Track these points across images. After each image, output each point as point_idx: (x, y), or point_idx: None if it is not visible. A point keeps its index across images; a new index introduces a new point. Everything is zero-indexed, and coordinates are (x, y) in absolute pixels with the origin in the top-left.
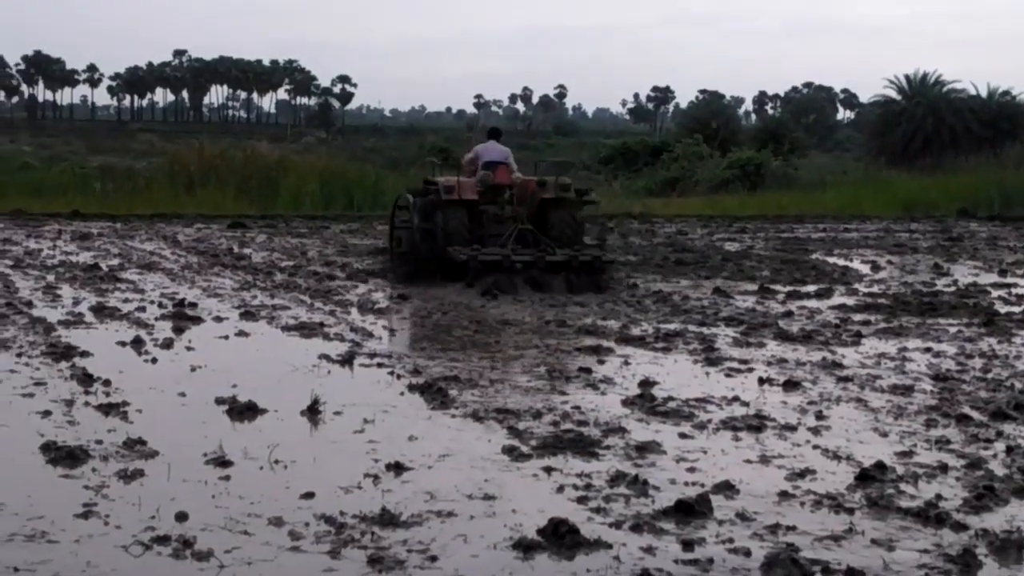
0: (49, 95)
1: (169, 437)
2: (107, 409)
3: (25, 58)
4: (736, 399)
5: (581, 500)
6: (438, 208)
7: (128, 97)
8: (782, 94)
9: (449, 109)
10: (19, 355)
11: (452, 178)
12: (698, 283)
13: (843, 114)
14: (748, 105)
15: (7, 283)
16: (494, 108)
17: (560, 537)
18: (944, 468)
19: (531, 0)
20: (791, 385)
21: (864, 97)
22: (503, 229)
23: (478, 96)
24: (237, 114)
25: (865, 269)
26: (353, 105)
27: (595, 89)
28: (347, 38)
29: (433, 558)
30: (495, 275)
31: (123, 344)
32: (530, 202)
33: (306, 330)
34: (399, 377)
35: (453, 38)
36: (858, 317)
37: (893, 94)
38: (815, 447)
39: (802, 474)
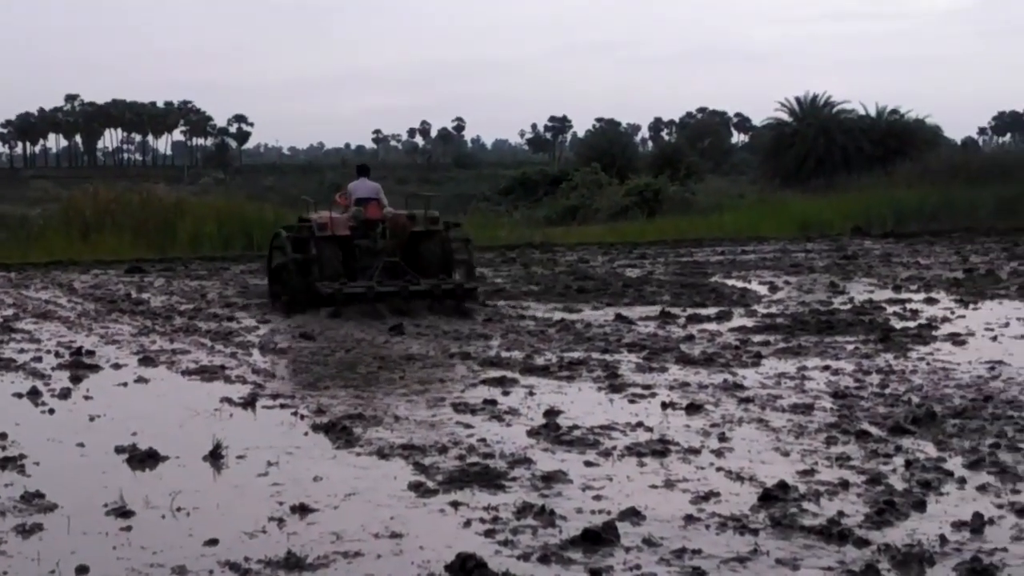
0: None
1: (68, 489)
2: (3, 463)
3: None
4: (640, 424)
5: (488, 533)
6: (313, 244)
7: (20, 144)
8: (677, 120)
9: (348, 145)
10: None
11: (325, 214)
12: (600, 310)
13: (737, 137)
14: (644, 132)
15: None
16: (393, 143)
17: (468, 572)
18: (845, 485)
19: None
20: (694, 408)
21: (757, 120)
22: (377, 261)
23: (376, 131)
24: (132, 157)
25: (763, 290)
26: (251, 144)
27: (493, 121)
28: (242, 78)
29: None
30: (362, 306)
31: (19, 396)
32: (401, 235)
33: (207, 373)
34: (303, 417)
35: (349, 74)
36: (757, 338)
37: (785, 116)
38: (719, 469)
39: (707, 497)
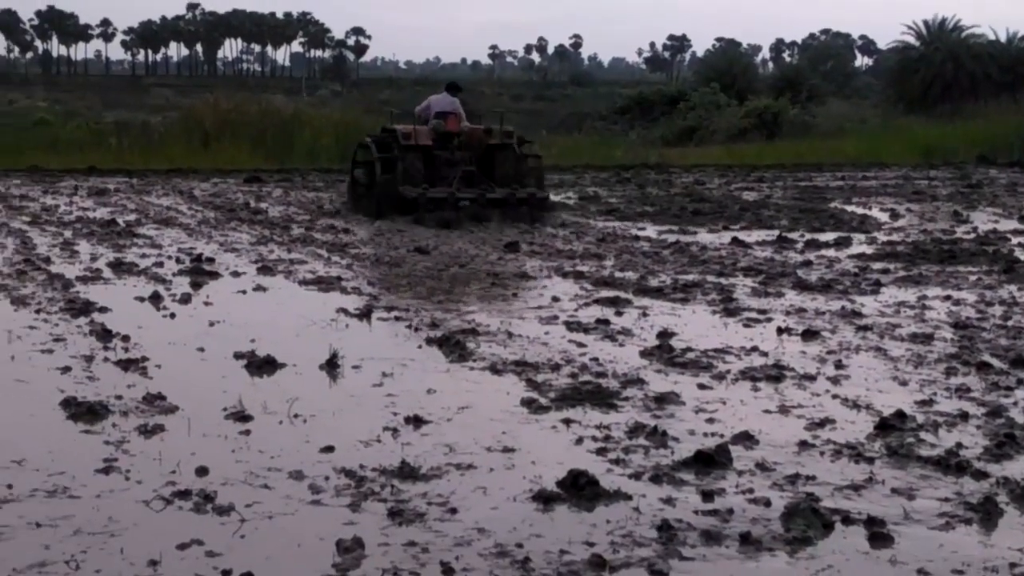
0: (63, 50)
1: (189, 392)
2: (126, 365)
3: (39, 13)
4: (755, 349)
5: (600, 452)
6: (396, 152)
7: (142, 52)
8: (799, 41)
9: (464, 60)
10: (38, 311)
11: (409, 126)
12: (716, 233)
13: (861, 61)
14: (765, 53)
15: (24, 239)
16: (509, 59)
17: (580, 489)
18: (964, 416)
19: None
20: (810, 335)
21: (882, 43)
22: (453, 172)
23: (493, 47)
24: (251, 68)
25: (884, 217)
26: (367, 57)
27: (611, 39)
28: None
29: (453, 511)
30: (442, 211)
31: (141, 300)
32: (477, 147)
33: (323, 284)
34: (417, 330)
35: None
36: (877, 266)
37: (911, 40)
38: (834, 396)
39: (822, 424)
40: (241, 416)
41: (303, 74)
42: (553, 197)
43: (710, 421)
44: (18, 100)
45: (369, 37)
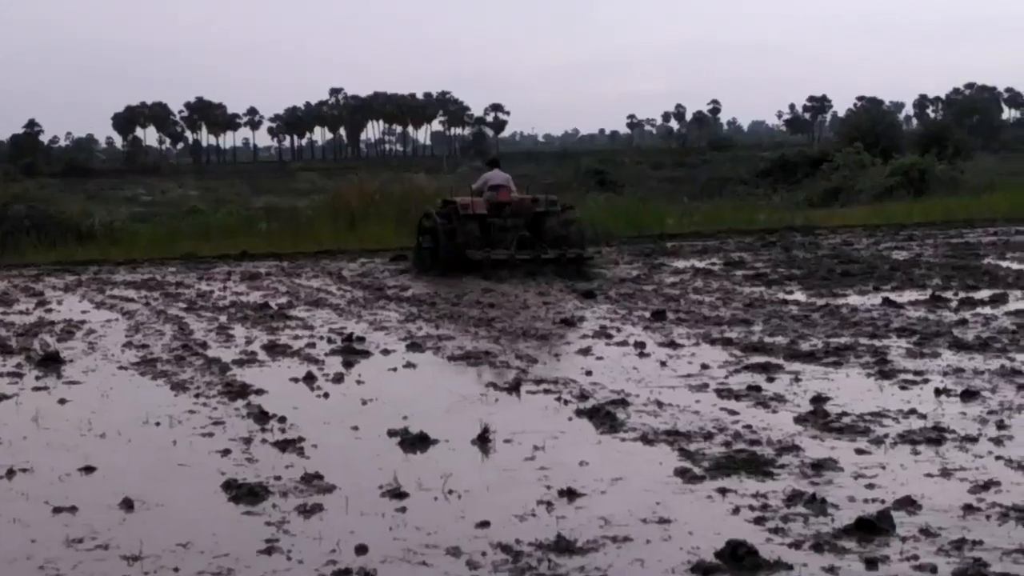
0: (212, 140)
1: (345, 470)
2: (284, 445)
3: (188, 105)
4: (913, 412)
5: (758, 521)
6: (457, 220)
7: (288, 137)
8: (943, 96)
9: (602, 131)
10: (197, 395)
11: (467, 197)
12: (867, 294)
13: (1008, 113)
14: (908, 109)
15: (182, 325)
16: (647, 127)
17: (739, 559)
18: None
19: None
20: (969, 395)
21: None
22: (506, 236)
23: (631, 116)
24: (393, 148)
25: None
26: (507, 133)
27: (750, 102)
28: (498, 67)
29: None
30: (502, 270)
31: (296, 380)
32: (526, 214)
33: (472, 359)
34: (566, 403)
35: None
36: None
37: None
38: (998, 458)
39: (986, 486)
40: (397, 493)
41: (444, 152)
42: (697, 264)
43: (870, 487)
44: (171, 190)
45: (507, 113)
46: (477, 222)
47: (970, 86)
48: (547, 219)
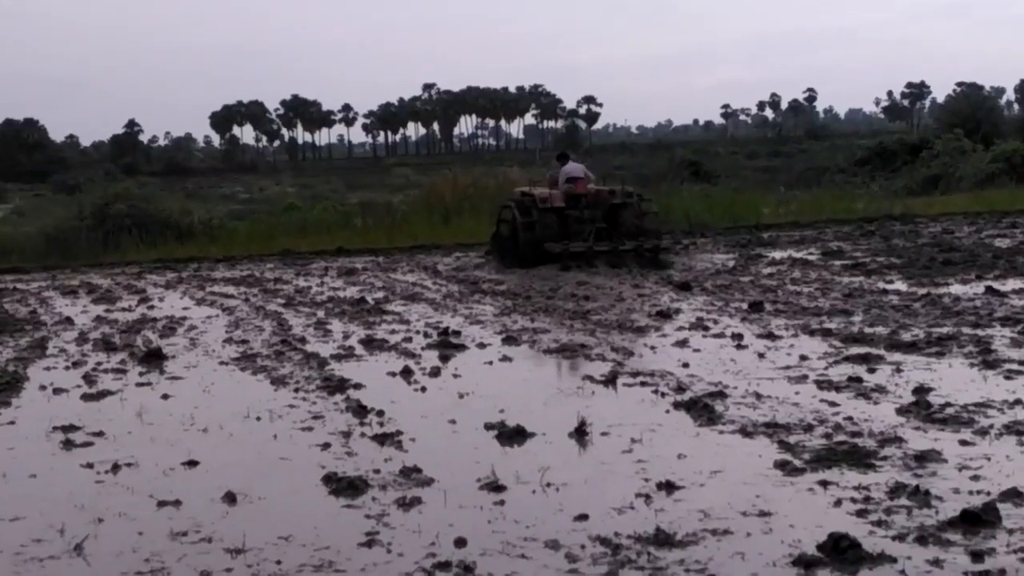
0: (308, 137)
1: (443, 464)
2: (382, 439)
3: (284, 103)
4: (1018, 402)
5: (860, 513)
6: (536, 213)
7: (382, 133)
8: None
9: (696, 121)
10: (296, 390)
11: (546, 190)
12: (969, 283)
13: None
14: (1010, 94)
15: (280, 321)
16: (742, 117)
17: (841, 552)
18: None
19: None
20: None
21: None
22: (583, 227)
23: (725, 106)
24: (486, 142)
25: None
26: (599, 125)
27: (846, 90)
28: (591, 59)
29: None
30: (580, 261)
31: (393, 374)
32: (603, 206)
33: (567, 352)
34: (663, 395)
35: (697, 50)
36: None
37: None
38: None
39: None
40: (495, 486)
41: (536, 145)
42: (795, 254)
43: (975, 478)
44: (268, 187)
45: (600, 105)
46: (555, 214)
47: None
48: (624, 211)
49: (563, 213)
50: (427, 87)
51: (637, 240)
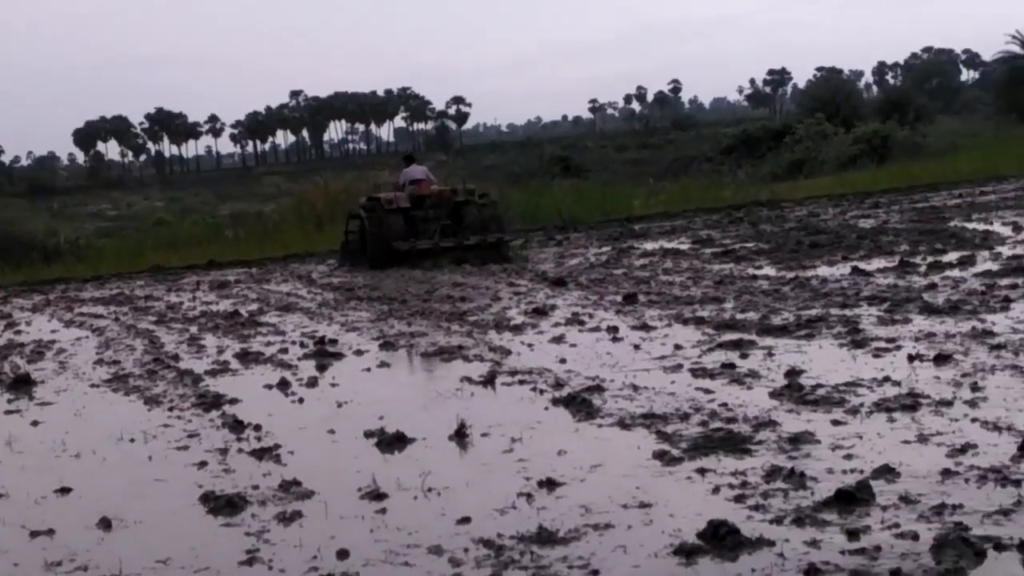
0: (175, 149)
1: (323, 475)
2: (260, 454)
3: (148, 116)
4: (887, 379)
5: (738, 499)
6: (383, 214)
7: (251, 142)
8: (902, 62)
9: (565, 117)
10: (171, 409)
11: (391, 193)
12: (836, 264)
13: (967, 75)
14: (868, 77)
15: (152, 339)
16: (609, 111)
17: (721, 539)
18: None
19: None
20: (942, 359)
21: (987, 55)
22: (428, 226)
23: (592, 100)
24: (357, 147)
25: (1007, 231)
26: (469, 124)
27: (710, 80)
28: (457, 60)
29: (595, 572)
30: (429, 259)
31: (269, 387)
32: (447, 204)
33: (445, 354)
34: (542, 392)
35: (562, 47)
36: (1005, 282)
37: (1017, 49)
38: (974, 420)
39: (963, 450)
40: (376, 495)
41: (408, 148)
42: (666, 244)
43: (848, 457)
44: (136, 203)
45: (469, 105)
46: (401, 215)
47: (927, 50)
48: (467, 208)
49: (409, 214)
50: (294, 94)
51: (481, 235)
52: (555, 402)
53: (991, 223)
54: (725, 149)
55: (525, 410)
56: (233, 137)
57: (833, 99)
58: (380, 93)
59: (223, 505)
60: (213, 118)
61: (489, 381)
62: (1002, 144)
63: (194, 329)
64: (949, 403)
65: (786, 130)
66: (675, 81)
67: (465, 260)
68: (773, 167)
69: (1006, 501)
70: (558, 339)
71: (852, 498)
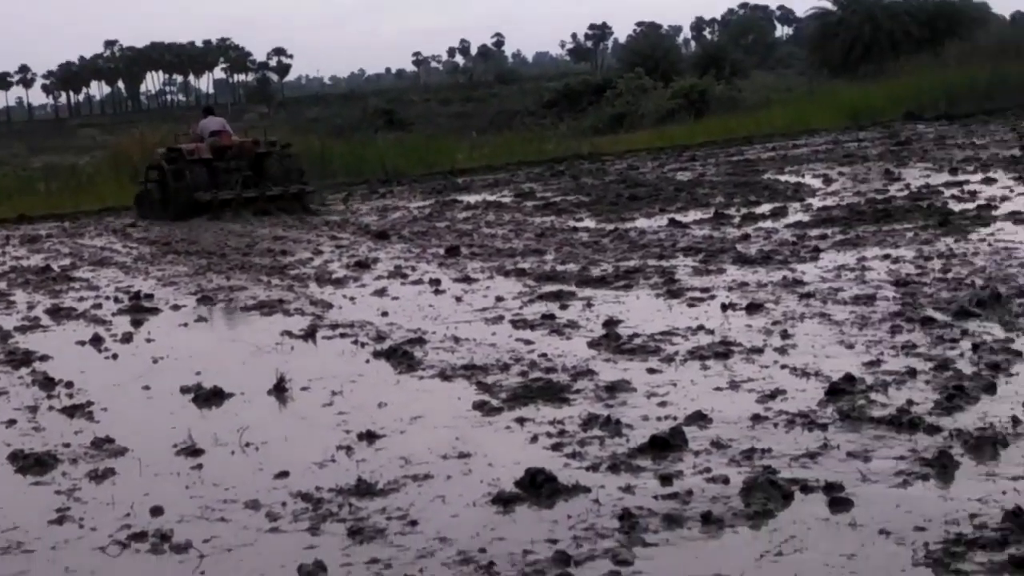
0: None
1: (137, 432)
2: (72, 411)
3: None
4: (701, 328)
5: (556, 447)
6: (184, 165)
7: (64, 94)
8: (719, 18)
9: (389, 70)
10: None
11: (192, 144)
12: (654, 216)
13: (781, 31)
14: (686, 32)
15: None
16: (433, 64)
17: (538, 487)
18: (913, 373)
19: None
20: (754, 308)
21: (800, 11)
22: (230, 177)
23: (416, 54)
24: (176, 98)
25: (817, 183)
26: (291, 77)
27: (533, 34)
28: (279, 10)
29: (413, 523)
30: (231, 210)
31: (82, 343)
32: (248, 155)
33: (266, 308)
34: (363, 345)
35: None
36: (815, 232)
37: (829, 5)
38: (783, 367)
39: (773, 395)
40: (192, 451)
41: (228, 100)
42: (488, 197)
43: (662, 404)
44: None
45: (291, 56)
46: (204, 166)
47: (744, 6)
48: (268, 159)
49: (211, 165)
50: (109, 44)
51: (283, 186)
52: (376, 355)
53: (803, 176)
54: (547, 103)
55: (346, 363)
56: (45, 88)
57: (652, 54)
58: (199, 44)
59: (32, 464)
60: (24, 68)
61: (310, 335)
62: (814, 99)
63: (2, 285)
64: (760, 350)
65: (607, 84)
66: (498, 35)
67: (268, 211)
68: (594, 121)
69: (812, 445)
70: (380, 292)
71: (666, 444)
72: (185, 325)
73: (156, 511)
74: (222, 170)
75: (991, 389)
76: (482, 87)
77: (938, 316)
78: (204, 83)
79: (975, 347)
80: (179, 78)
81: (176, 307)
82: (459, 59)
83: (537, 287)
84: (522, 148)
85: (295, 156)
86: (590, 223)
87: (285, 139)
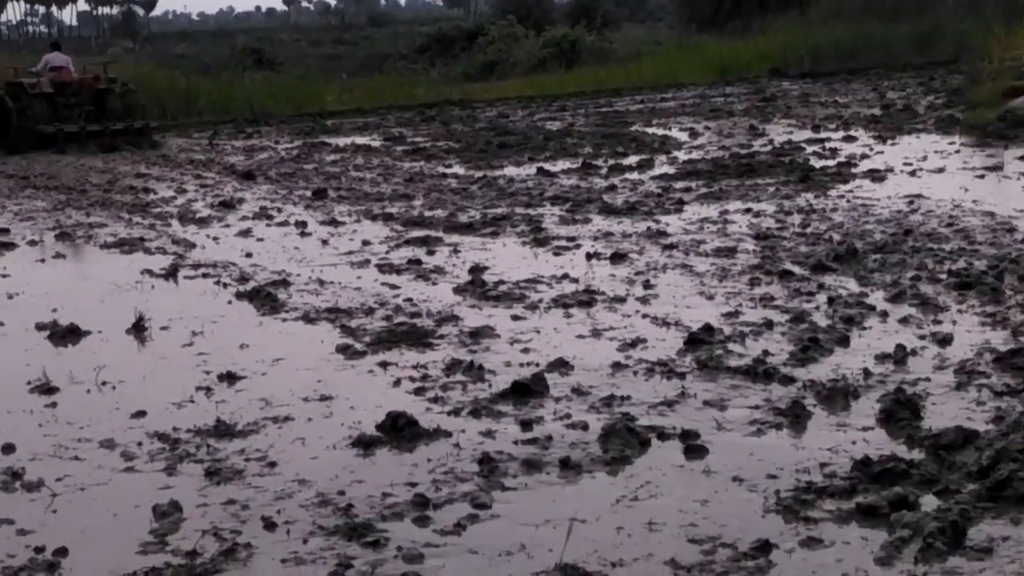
0: None
1: None
2: None
3: None
4: (566, 276)
5: (418, 391)
6: (26, 99)
7: None
8: None
9: (258, 8)
10: None
11: (33, 78)
12: (522, 165)
13: None
14: None
15: None
16: (304, 4)
17: (399, 430)
18: (769, 325)
19: None
20: (618, 257)
21: None
22: (72, 112)
23: None
24: (37, 30)
25: (684, 137)
26: (158, 11)
27: None
28: None
29: (272, 464)
30: (75, 143)
31: None
32: (89, 92)
33: (126, 246)
34: (226, 286)
35: None
36: (679, 185)
37: None
38: (644, 316)
39: (633, 344)
40: (46, 388)
41: (92, 33)
42: (358, 141)
43: (525, 351)
44: None
45: None
46: (45, 100)
47: None
48: (109, 95)
49: (52, 99)
50: None
51: (126, 121)
52: (239, 296)
53: (670, 128)
54: (420, 48)
55: (208, 304)
56: None
57: (525, 2)
58: None
59: None
60: None
61: (171, 274)
62: (683, 53)
63: None
64: (623, 299)
65: (479, 31)
66: None
67: (115, 147)
68: (466, 67)
69: (670, 393)
70: (245, 233)
71: (527, 390)
72: (42, 261)
73: (7, 448)
74: (63, 104)
75: (844, 342)
76: (354, 29)
77: (796, 270)
78: (68, 15)
79: (830, 300)
80: (41, 8)
81: (33, 243)
82: (331, 0)
83: (404, 232)
84: (393, 92)
85: (136, 92)
86: (459, 169)
87: (150, 75)
